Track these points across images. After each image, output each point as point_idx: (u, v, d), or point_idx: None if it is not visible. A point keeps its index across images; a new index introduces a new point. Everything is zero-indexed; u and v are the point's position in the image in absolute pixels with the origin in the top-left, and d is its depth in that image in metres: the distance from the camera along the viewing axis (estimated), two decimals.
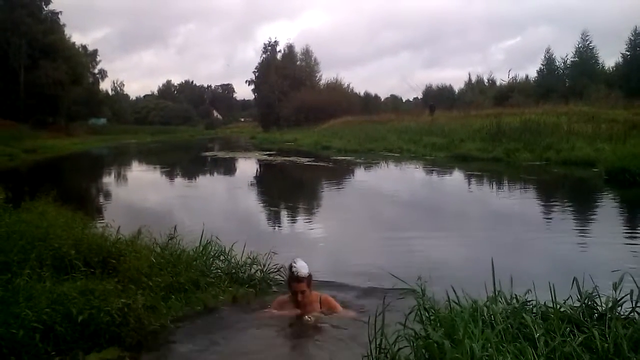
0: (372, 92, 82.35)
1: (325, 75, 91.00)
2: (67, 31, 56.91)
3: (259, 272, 5.37)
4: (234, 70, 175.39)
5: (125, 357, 3.69)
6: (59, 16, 53.99)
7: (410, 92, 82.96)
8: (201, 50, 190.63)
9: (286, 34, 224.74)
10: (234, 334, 4.24)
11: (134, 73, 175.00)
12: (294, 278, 4.59)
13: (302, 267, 4.59)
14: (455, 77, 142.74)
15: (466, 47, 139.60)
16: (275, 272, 5.48)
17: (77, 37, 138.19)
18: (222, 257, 5.61)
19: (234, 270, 5.37)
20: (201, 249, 5.56)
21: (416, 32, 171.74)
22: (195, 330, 4.26)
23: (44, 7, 52.81)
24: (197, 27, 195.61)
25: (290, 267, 4.64)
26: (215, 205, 13.28)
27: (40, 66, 47.72)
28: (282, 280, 5.40)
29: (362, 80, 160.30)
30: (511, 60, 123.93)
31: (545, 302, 3.45)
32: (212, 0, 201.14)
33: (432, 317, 3.34)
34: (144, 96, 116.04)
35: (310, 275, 4.65)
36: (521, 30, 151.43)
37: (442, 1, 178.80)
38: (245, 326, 4.39)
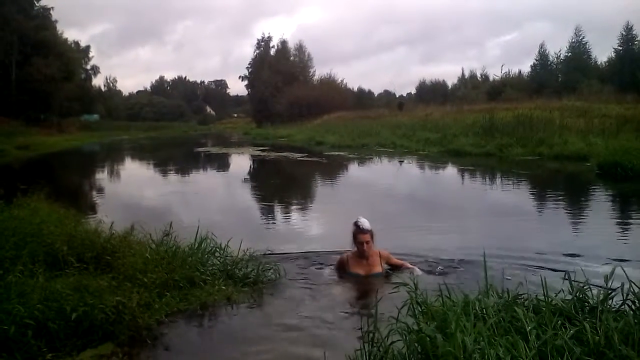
0: (369, 87, 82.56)
1: (322, 71, 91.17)
2: (65, 27, 57.03)
3: (254, 270, 5.33)
4: (230, 66, 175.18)
5: (119, 352, 3.68)
6: (51, 12, 53.79)
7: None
8: (198, 46, 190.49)
9: (284, 30, 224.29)
10: (228, 331, 4.24)
11: (131, 69, 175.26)
12: (360, 230, 5.42)
13: (365, 222, 5.44)
14: (452, 72, 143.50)
15: (463, 42, 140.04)
16: (270, 269, 5.44)
17: (75, 33, 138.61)
18: (217, 254, 5.56)
19: (229, 267, 5.33)
20: (196, 245, 5.52)
21: (413, 27, 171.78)
22: (190, 327, 4.26)
23: (35, 3, 52.49)
24: (194, 24, 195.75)
25: (356, 222, 5.45)
26: (210, 201, 13.23)
27: (32, 62, 47.35)
28: (276, 279, 5.39)
29: (359, 75, 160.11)
30: (508, 56, 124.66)
31: (537, 296, 3.46)
32: None
33: (424, 311, 3.34)
34: (137, 92, 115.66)
35: (372, 231, 5.47)
36: (518, 25, 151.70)
37: None
38: (240, 323, 4.39)
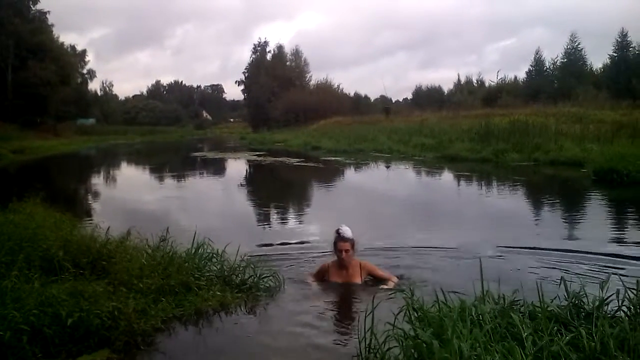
0: (366, 92, 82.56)
1: (319, 76, 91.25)
2: (64, 32, 56.97)
3: (251, 277, 5.30)
4: (229, 70, 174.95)
5: (115, 358, 3.67)
6: (47, 16, 53.79)
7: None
8: (197, 51, 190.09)
9: (283, 35, 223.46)
10: (224, 337, 4.23)
11: (130, 73, 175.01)
12: (340, 238, 5.32)
13: (347, 231, 5.34)
14: (449, 78, 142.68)
15: (461, 48, 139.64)
16: (269, 277, 5.39)
17: (74, 38, 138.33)
18: (214, 260, 5.52)
19: (226, 274, 5.30)
20: (193, 251, 5.49)
21: (411, 33, 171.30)
22: (186, 333, 4.25)
23: (32, 6, 52.47)
24: (194, 28, 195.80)
25: (337, 230, 5.36)
26: (206, 205, 13.21)
27: (28, 66, 47.32)
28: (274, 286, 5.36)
29: (356, 80, 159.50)
30: (505, 61, 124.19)
31: (533, 302, 3.47)
32: (210, 1, 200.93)
33: (421, 317, 3.35)
34: (133, 96, 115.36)
35: (354, 240, 5.35)
36: (516, 31, 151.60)
37: (439, 2, 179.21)
38: (236, 330, 4.37)
